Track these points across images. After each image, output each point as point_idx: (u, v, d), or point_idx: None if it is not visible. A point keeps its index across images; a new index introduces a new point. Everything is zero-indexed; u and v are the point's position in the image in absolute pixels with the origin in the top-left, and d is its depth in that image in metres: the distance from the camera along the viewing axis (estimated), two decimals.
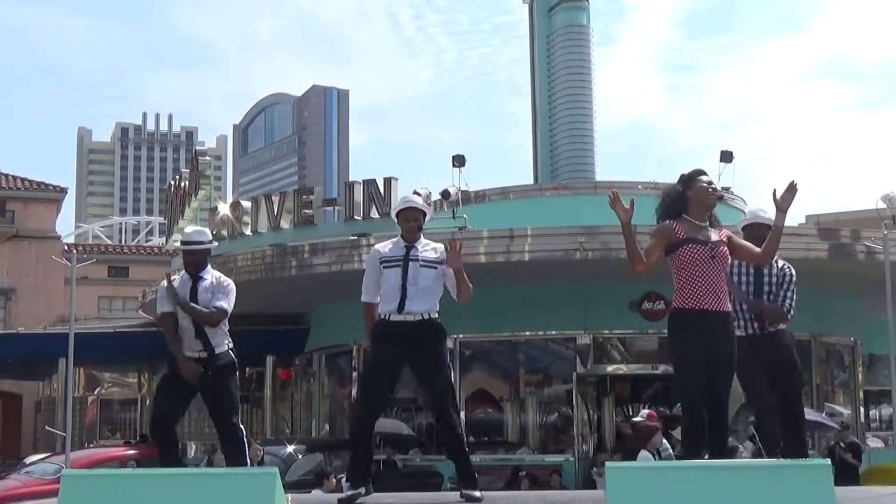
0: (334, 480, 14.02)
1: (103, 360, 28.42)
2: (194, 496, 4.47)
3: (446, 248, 6.89)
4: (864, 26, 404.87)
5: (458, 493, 6.65)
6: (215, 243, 8.05)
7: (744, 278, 7.38)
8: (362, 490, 6.60)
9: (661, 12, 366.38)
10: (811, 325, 19.65)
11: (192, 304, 7.39)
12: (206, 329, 7.38)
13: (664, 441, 11.44)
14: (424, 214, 7.03)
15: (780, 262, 7.50)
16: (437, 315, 6.91)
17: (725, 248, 6.43)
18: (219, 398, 7.46)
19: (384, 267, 6.88)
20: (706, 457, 6.18)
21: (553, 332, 20.68)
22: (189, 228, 8.16)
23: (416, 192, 22.60)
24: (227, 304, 7.50)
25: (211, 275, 7.59)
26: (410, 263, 6.81)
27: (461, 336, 20.19)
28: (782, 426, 7.45)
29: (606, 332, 20.45)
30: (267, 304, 21.30)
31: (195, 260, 7.58)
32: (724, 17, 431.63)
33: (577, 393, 20.27)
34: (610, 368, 20.75)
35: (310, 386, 24.45)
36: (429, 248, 6.96)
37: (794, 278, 7.51)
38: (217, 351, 7.42)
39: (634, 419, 12.94)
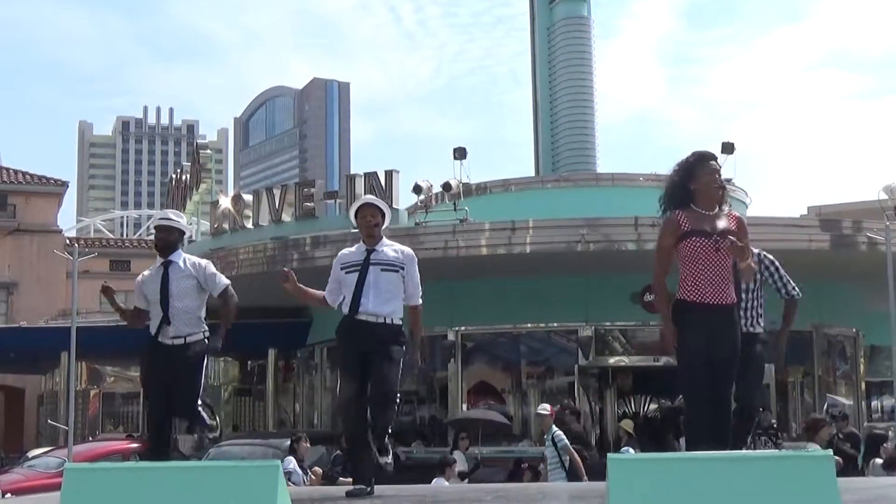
0: (456, 469, 14.07)
1: (105, 353, 28.44)
2: (196, 489, 4.48)
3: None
4: (867, 15, 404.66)
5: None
6: (188, 230, 8.03)
7: None
8: (366, 487, 6.63)
9: (663, 3, 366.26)
10: (813, 316, 19.66)
11: (220, 337, 7.32)
12: (178, 318, 7.25)
13: (557, 430, 13.13)
14: (383, 214, 6.94)
15: (757, 252, 7.40)
16: (399, 321, 6.88)
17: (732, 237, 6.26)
18: (183, 384, 7.29)
19: (346, 272, 6.87)
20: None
21: (555, 325, 20.70)
22: (169, 212, 8.17)
23: (417, 185, 22.67)
24: (223, 278, 7.50)
25: (183, 259, 7.46)
26: (371, 268, 6.79)
27: (462, 328, 20.21)
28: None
29: (608, 324, 20.46)
30: (268, 297, 21.18)
31: (167, 238, 7.47)
32: (725, 8, 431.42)
33: (579, 385, 20.28)
34: (612, 360, 20.77)
35: (312, 379, 24.49)
36: (390, 250, 6.90)
37: (777, 262, 7.59)
38: (189, 340, 7.30)
39: (538, 410, 13.89)
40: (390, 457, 6.70)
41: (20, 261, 41.01)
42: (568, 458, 12.85)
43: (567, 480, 12.39)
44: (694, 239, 6.22)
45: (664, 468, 4.35)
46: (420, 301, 7.06)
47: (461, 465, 15.21)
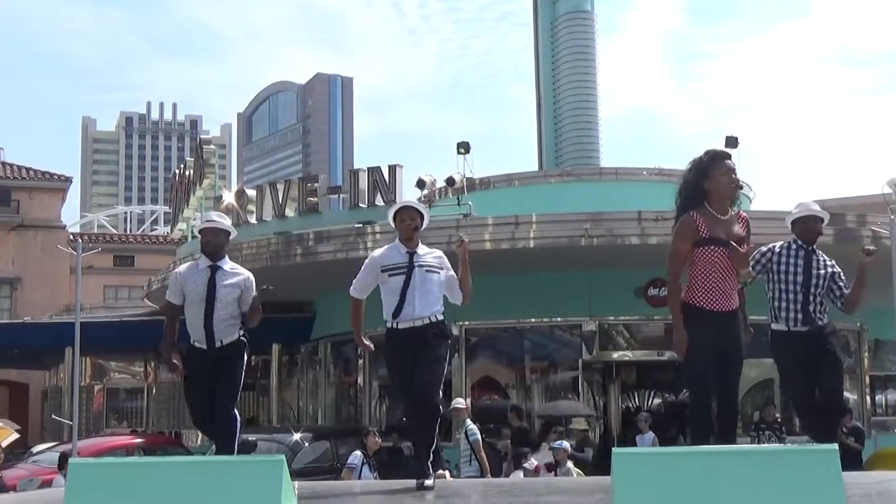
0: (534, 461, 14.11)
1: (109, 349, 28.45)
2: (201, 484, 4.48)
3: (459, 244, 6.93)
4: (872, 12, 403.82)
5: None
6: (235, 232, 7.93)
7: (792, 261, 7.17)
8: (431, 478, 6.68)
9: None
10: None
11: (255, 315, 7.43)
12: (218, 324, 7.29)
13: (471, 425, 13.49)
14: (422, 216, 6.98)
15: (827, 259, 7.39)
16: (442, 316, 6.95)
17: (745, 245, 6.27)
18: (220, 382, 7.35)
19: (389, 275, 6.87)
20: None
21: (558, 319, 20.67)
22: (213, 214, 8.11)
23: (420, 180, 22.65)
24: (257, 297, 7.54)
25: (230, 266, 7.50)
26: (416, 269, 6.81)
27: (466, 323, 20.18)
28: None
29: (612, 318, 20.42)
30: (272, 292, 21.28)
31: (216, 241, 7.43)
32: (729, 4, 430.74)
33: (583, 380, 20.27)
34: (615, 355, 20.73)
35: (316, 374, 24.48)
36: (429, 255, 6.99)
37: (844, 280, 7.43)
38: (227, 341, 7.35)
39: (453, 404, 14.19)
40: (432, 480, 6.67)
41: (24, 256, 41.02)
42: (479, 453, 13.09)
43: (479, 474, 12.52)
44: (712, 248, 6.22)
45: (669, 462, 4.35)
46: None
47: (548, 457, 15.21)
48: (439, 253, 7.09)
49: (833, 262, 7.49)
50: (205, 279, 7.33)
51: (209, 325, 7.28)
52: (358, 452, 13.35)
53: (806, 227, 7.28)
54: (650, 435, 17.06)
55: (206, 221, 7.62)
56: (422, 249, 6.96)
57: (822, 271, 7.24)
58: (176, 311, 7.50)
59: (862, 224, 18.55)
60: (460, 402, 14.00)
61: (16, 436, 17.04)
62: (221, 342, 7.32)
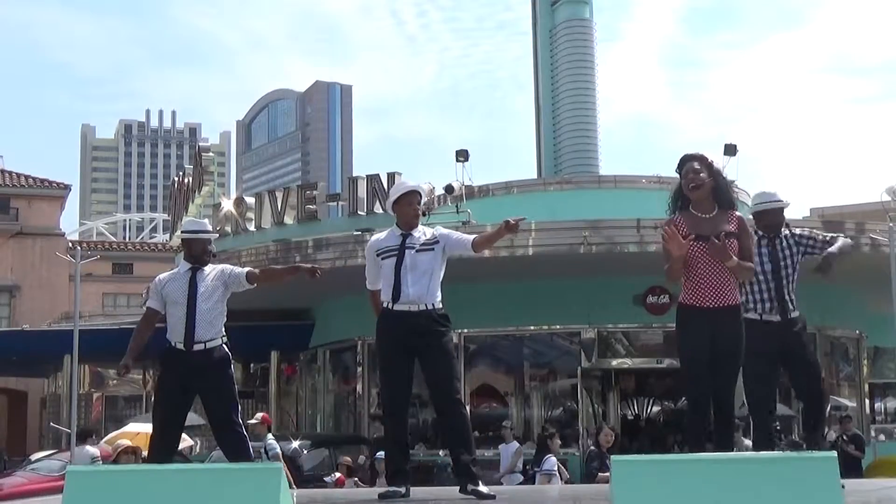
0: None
1: (108, 356, 28.34)
2: (199, 492, 4.47)
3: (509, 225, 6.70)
4: (867, 21, 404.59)
5: (463, 486, 6.52)
6: (215, 235, 7.88)
7: (758, 250, 6.94)
8: (402, 489, 6.53)
9: (664, 8, 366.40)
10: (816, 318, 19.59)
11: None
12: (200, 318, 7.06)
13: (270, 441, 13.58)
14: (422, 197, 7.03)
15: (786, 232, 7.26)
16: (440, 305, 6.78)
17: (734, 240, 6.20)
18: (214, 395, 7.16)
19: (382, 258, 6.81)
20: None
21: (558, 327, 20.66)
22: (187, 219, 8.00)
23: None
24: (240, 268, 7.49)
25: (210, 267, 7.36)
26: (406, 251, 6.71)
27: (466, 331, 20.15)
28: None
29: (611, 326, 20.40)
30: (271, 299, 21.28)
31: (205, 246, 7.35)
32: (726, 14, 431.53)
33: (582, 387, 20.23)
34: (615, 363, 20.70)
35: (314, 381, 24.45)
36: (423, 234, 6.87)
37: (807, 230, 7.35)
38: (209, 345, 7.09)
39: (250, 420, 13.96)
40: (481, 483, 6.45)
41: (23, 264, 41.00)
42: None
43: None
44: (693, 245, 6.19)
45: (668, 469, 4.34)
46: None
47: None
48: (437, 231, 6.95)
49: (798, 230, 7.33)
50: (186, 279, 7.21)
51: (191, 319, 7.06)
52: (553, 458, 13.41)
53: (768, 217, 7.20)
54: (514, 444, 16.76)
55: (201, 231, 7.49)
56: (417, 231, 6.86)
57: (789, 253, 7.10)
58: (156, 318, 7.34)
59: (861, 232, 18.54)
60: (257, 418, 14.13)
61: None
62: (204, 345, 7.08)
